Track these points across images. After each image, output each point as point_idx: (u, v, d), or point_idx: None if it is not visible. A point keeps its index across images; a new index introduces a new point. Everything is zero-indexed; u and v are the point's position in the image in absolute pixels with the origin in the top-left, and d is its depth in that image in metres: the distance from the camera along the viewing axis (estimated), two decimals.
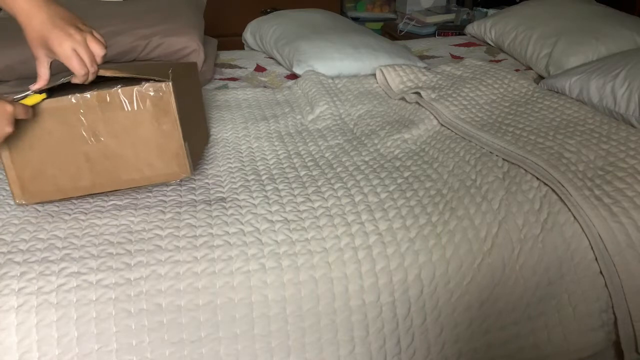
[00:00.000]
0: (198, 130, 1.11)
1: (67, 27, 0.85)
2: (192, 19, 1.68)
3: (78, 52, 0.85)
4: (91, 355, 0.79)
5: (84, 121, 0.88)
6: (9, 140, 0.86)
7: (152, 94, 0.88)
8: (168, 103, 0.88)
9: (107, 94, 0.87)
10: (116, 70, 0.88)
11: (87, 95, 0.87)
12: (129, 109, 0.88)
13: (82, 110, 0.87)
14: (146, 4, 1.71)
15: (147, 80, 0.88)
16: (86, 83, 0.89)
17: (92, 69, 0.86)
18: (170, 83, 0.88)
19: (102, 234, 0.89)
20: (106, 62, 1.50)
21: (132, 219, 0.92)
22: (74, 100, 0.87)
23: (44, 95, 0.86)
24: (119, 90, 0.87)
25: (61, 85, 0.89)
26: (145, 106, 0.88)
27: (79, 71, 0.85)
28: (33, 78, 1.38)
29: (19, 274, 0.81)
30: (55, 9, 0.86)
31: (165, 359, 0.82)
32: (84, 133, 0.88)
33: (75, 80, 0.88)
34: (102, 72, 0.88)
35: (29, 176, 0.90)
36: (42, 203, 0.94)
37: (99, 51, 0.87)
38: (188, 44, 1.56)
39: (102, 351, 0.80)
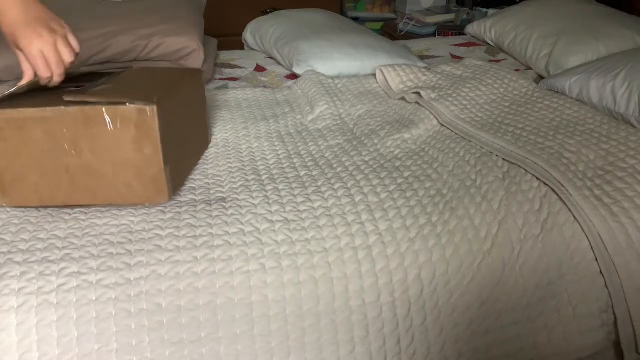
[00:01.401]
0: (192, 142, 1.10)
1: (38, 27, 0.85)
2: (192, 19, 1.68)
3: (45, 54, 0.85)
4: (91, 355, 0.79)
5: (67, 134, 0.87)
6: None
7: (135, 116, 0.86)
8: (151, 127, 0.87)
9: (91, 110, 0.86)
10: (97, 96, 0.87)
11: (71, 109, 0.86)
12: (112, 128, 0.87)
13: (65, 123, 0.87)
14: (146, 4, 1.71)
15: (132, 101, 0.86)
16: (50, 86, 0.90)
17: (57, 71, 0.87)
18: (155, 108, 0.86)
19: (102, 234, 0.89)
20: (106, 62, 1.52)
21: (132, 219, 0.92)
22: (58, 113, 0.86)
23: None
24: (103, 109, 0.86)
25: (56, 89, 0.90)
26: (128, 127, 0.87)
27: (42, 73, 0.86)
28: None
29: (19, 274, 0.81)
30: (32, 7, 0.85)
31: (166, 359, 0.82)
32: (66, 146, 0.88)
33: (42, 83, 0.89)
34: (87, 99, 0.87)
35: (10, 180, 0.90)
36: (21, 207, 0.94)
37: (67, 56, 0.88)
38: (188, 44, 1.56)
39: (102, 351, 0.80)
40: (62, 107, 0.86)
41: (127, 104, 0.86)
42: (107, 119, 0.86)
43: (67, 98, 0.86)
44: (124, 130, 0.87)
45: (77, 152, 0.88)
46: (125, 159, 0.89)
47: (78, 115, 0.86)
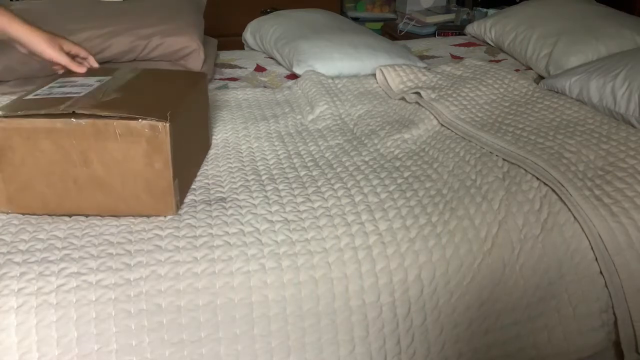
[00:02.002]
0: (197, 149, 1.10)
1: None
2: (192, 19, 1.68)
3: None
4: (91, 355, 0.79)
5: (77, 146, 0.87)
6: (1, 151, 0.88)
7: (147, 131, 0.86)
8: (163, 143, 0.87)
9: (103, 123, 0.86)
10: (109, 109, 0.87)
11: (83, 122, 0.86)
12: (123, 142, 0.87)
13: (75, 135, 0.86)
14: (146, 4, 1.71)
15: (145, 117, 0.86)
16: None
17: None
18: (168, 125, 0.86)
19: (101, 234, 0.89)
20: (106, 62, 1.52)
21: (132, 219, 0.92)
22: (69, 125, 0.86)
23: None
24: (115, 123, 0.86)
25: (61, 99, 0.90)
26: (139, 142, 0.87)
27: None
28: (33, 78, 1.38)
29: (18, 275, 0.81)
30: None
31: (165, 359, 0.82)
32: (75, 157, 0.88)
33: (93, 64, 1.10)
34: (99, 112, 0.86)
35: (16, 188, 0.90)
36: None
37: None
38: (188, 44, 1.56)
39: (102, 352, 0.80)
40: (73, 120, 0.86)
41: (140, 120, 0.86)
42: (119, 132, 0.86)
43: (79, 110, 0.86)
44: (135, 144, 0.87)
45: (86, 163, 0.88)
46: (134, 173, 0.89)
47: (89, 128, 0.86)
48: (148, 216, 0.92)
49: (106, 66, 1.35)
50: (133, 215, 0.93)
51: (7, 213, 0.93)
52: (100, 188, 0.90)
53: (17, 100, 0.94)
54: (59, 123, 0.86)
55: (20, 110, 0.88)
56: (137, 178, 0.89)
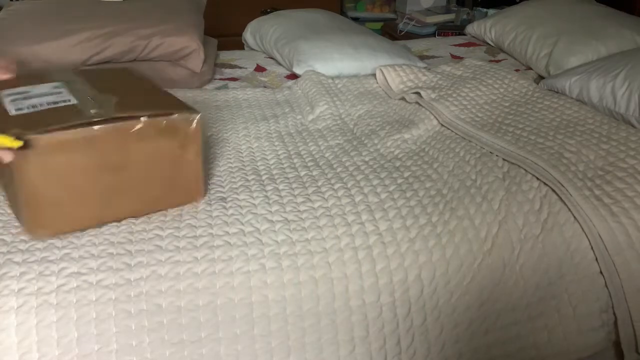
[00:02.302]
0: None
1: None
2: (192, 19, 1.68)
3: None
4: (91, 356, 0.79)
5: (107, 151, 0.84)
6: (22, 173, 0.81)
7: (180, 126, 0.88)
8: (196, 135, 0.90)
9: (134, 124, 0.84)
10: (139, 110, 0.85)
11: (110, 126, 0.83)
12: (155, 140, 0.87)
13: (105, 141, 0.83)
14: (146, 4, 1.71)
15: (172, 112, 0.87)
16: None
17: None
18: (199, 116, 0.89)
19: (102, 234, 0.89)
20: (106, 62, 1.52)
21: (133, 219, 0.92)
22: (93, 132, 0.82)
23: (20, 143, 0.76)
24: (147, 121, 0.85)
25: (68, 110, 0.85)
26: (174, 137, 0.88)
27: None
28: (32, 78, 1.37)
29: (18, 274, 0.81)
30: None
31: None
32: (106, 163, 0.85)
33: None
34: (133, 113, 0.84)
35: (48, 208, 0.84)
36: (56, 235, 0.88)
37: None
38: (188, 44, 1.56)
39: (102, 352, 0.80)
40: (96, 127, 0.82)
41: (173, 115, 0.87)
42: (150, 131, 0.86)
43: (107, 115, 0.82)
44: (168, 140, 0.88)
45: (117, 169, 0.86)
46: (167, 168, 0.90)
47: (116, 132, 0.84)
48: (181, 206, 0.94)
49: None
50: (167, 209, 0.94)
51: (36, 238, 0.86)
52: (132, 191, 0.89)
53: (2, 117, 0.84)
54: (84, 132, 0.81)
55: (37, 126, 0.79)
56: (170, 174, 0.91)
